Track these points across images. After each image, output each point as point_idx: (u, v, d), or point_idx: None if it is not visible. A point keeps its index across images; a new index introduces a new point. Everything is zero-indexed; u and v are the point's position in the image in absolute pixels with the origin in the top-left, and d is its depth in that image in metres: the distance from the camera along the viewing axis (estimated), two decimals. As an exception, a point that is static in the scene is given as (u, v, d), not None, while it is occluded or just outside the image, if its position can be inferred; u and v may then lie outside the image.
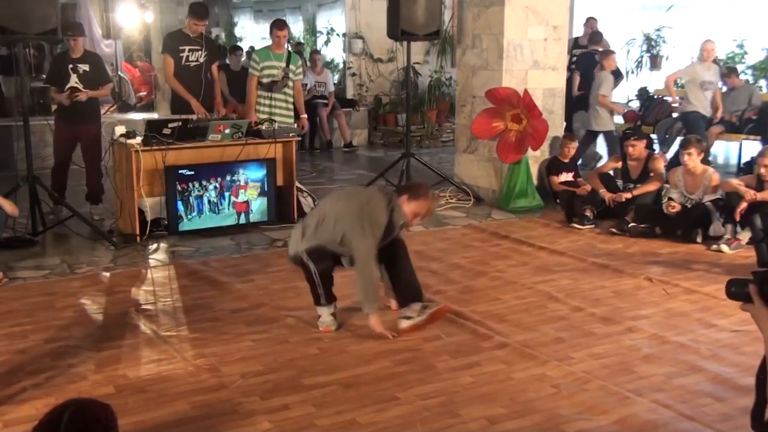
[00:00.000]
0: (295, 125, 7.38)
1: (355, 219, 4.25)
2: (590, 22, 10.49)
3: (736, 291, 1.93)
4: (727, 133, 9.47)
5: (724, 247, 6.09)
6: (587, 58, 9.84)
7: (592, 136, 9.26)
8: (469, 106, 8.01)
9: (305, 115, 7.77)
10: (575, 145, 7.72)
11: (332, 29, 14.00)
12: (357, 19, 12.27)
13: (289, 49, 8.09)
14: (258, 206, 6.67)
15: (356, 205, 4.32)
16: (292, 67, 7.48)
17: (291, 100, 7.54)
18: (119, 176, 6.46)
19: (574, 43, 10.35)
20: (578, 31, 11.00)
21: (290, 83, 7.49)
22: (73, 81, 6.98)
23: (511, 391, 3.70)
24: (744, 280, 1.92)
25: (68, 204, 6.68)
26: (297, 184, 7.11)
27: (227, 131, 6.51)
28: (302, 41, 15.08)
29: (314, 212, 4.70)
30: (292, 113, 7.54)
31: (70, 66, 7.00)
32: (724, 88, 9.71)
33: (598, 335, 4.41)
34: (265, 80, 7.39)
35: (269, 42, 7.62)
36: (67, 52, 7.16)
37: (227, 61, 10.59)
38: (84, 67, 7.03)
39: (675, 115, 9.79)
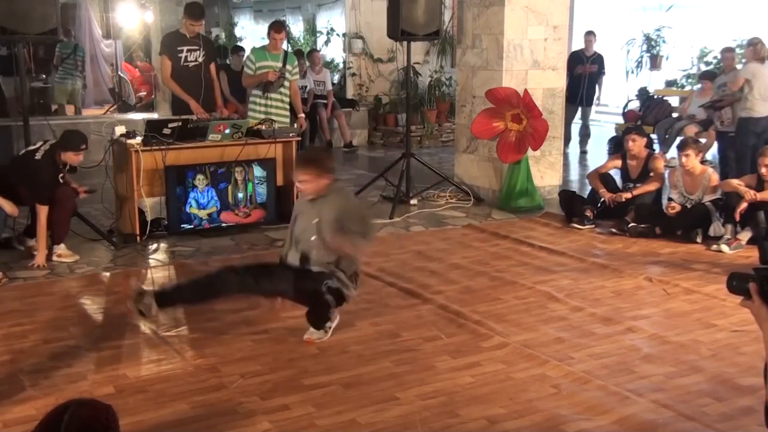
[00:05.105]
0: (295, 125, 7.38)
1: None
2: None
3: (737, 285, 1.91)
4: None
5: (724, 247, 6.09)
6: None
7: None
8: (469, 106, 8.01)
9: (303, 115, 7.75)
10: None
11: (332, 29, 13.99)
12: (357, 19, 12.26)
13: (289, 49, 8.07)
14: (258, 206, 6.66)
15: None
16: (288, 67, 7.44)
17: (287, 100, 7.51)
18: (119, 176, 6.46)
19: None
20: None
21: (287, 83, 7.47)
22: None
23: (511, 391, 3.70)
24: (746, 275, 1.90)
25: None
26: (297, 184, 7.09)
27: (227, 131, 6.51)
28: (301, 47, 15.03)
29: None
30: (288, 113, 7.51)
31: None
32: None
33: (598, 335, 4.41)
34: None
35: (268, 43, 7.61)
36: None
37: (228, 62, 10.59)
38: None
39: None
